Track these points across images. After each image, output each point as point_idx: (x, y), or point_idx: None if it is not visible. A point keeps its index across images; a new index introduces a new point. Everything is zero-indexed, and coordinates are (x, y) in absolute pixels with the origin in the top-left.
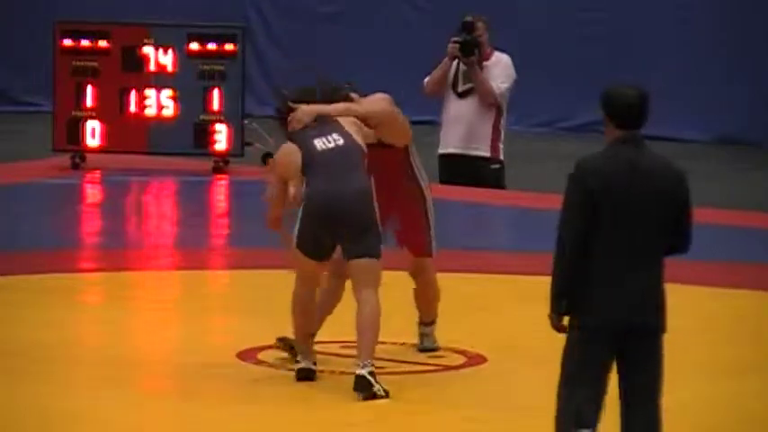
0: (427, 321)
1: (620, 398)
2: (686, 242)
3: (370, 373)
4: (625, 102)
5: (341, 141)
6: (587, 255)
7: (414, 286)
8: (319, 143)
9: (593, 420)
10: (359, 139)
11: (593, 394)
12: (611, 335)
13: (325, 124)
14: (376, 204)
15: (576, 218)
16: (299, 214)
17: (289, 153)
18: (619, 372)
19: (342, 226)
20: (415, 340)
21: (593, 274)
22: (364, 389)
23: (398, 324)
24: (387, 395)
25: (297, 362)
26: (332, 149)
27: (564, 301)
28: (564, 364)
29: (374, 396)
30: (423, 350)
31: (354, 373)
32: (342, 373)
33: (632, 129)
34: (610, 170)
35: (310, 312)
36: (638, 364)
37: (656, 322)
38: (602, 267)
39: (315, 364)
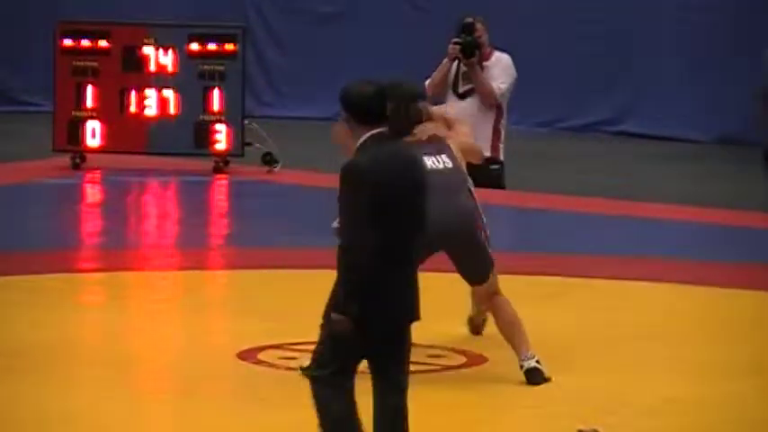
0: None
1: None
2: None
3: (538, 362)
4: (365, 98)
5: (450, 165)
6: (371, 254)
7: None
8: (430, 161)
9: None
10: (462, 166)
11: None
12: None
13: (438, 144)
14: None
15: (359, 220)
16: None
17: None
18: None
19: (449, 245)
20: (417, 340)
21: (373, 271)
22: (537, 377)
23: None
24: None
25: None
26: (441, 171)
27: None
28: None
29: (548, 380)
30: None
31: (523, 369)
32: None
33: (375, 125)
34: (381, 168)
35: None
36: (396, 357)
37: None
38: (380, 264)
39: None
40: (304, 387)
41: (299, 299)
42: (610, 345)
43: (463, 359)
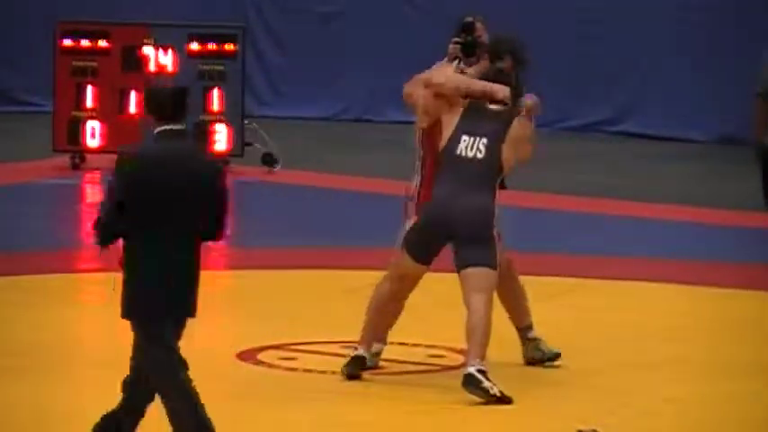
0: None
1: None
2: (218, 229)
3: (479, 371)
4: (160, 99)
5: (481, 155)
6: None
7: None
8: (463, 144)
9: None
10: (504, 153)
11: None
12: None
13: (486, 119)
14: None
15: (112, 209)
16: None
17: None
18: None
19: (455, 234)
20: (418, 340)
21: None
22: (472, 385)
23: (404, 324)
24: (501, 396)
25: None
26: (471, 159)
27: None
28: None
29: (486, 392)
30: (536, 361)
31: (462, 372)
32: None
33: (171, 122)
34: (155, 162)
35: (386, 312)
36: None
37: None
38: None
39: (372, 356)
40: (304, 387)
41: (300, 299)
42: (609, 345)
43: (462, 359)
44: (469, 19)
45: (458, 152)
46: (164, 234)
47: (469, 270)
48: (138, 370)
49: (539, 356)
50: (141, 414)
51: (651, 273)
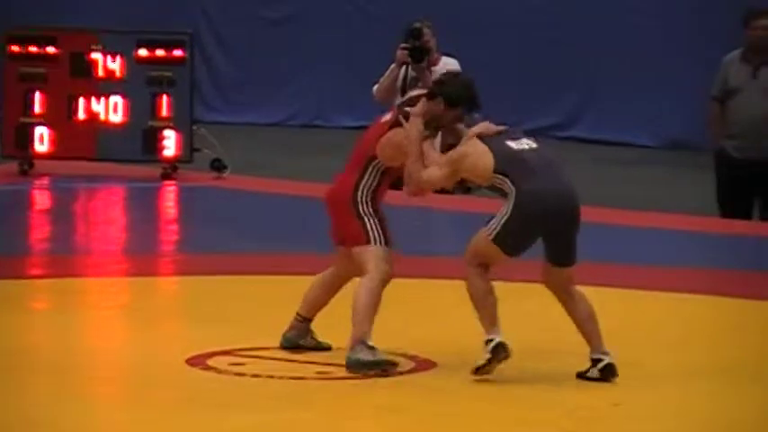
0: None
1: None
2: None
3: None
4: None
5: (535, 144)
6: None
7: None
8: (515, 144)
9: None
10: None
11: None
12: None
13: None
14: None
15: None
16: (508, 209)
17: (483, 153)
18: None
19: (569, 224)
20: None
21: None
22: (614, 374)
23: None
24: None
25: (489, 341)
26: (534, 150)
27: None
28: None
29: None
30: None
31: (603, 364)
32: (291, 378)
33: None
34: None
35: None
36: None
37: None
38: None
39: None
40: (254, 392)
41: (248, 305)
42: (560, 351)
43: (412, 364)
44: (417, 25)
45: (517, 148)
46: None
47: None
48: None
49: (312, 344)
50: None
51: (601, 277)
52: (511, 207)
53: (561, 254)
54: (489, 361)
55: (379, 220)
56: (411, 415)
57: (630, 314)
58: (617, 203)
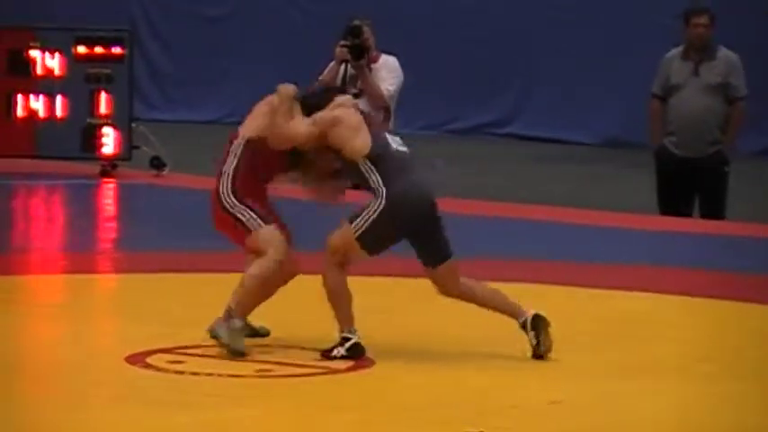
0: None
1: None
2: None
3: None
4: None
5: (404, 149)
6: None
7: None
8: (391, 140)
9: None
10: None
11: None
12: None
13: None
14: None
15: None
16: (377, 209)
17: (360, 127)
18: None
19: (433, 224)
20: (308, 343)
21: None
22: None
23: (305, 326)
24: None
25: (346, 339)
26: (403, 153)
27: None
28: None
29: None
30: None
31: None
32: (230, 375)
33: None
34: None
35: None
36: None
37: None
38: None
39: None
40: (194, 390)
41: (188, 303)
42: (501, 346)
43: (350, 362)
44: (357, 23)
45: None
46: None
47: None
48: None
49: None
50: None
51: (540, 275)
52: (380, 208)
53: (433, 254)
54: (343, 357)
55: (248, 207)
56: (352, 413)
57: (572, 312)
58: (555, 201)
